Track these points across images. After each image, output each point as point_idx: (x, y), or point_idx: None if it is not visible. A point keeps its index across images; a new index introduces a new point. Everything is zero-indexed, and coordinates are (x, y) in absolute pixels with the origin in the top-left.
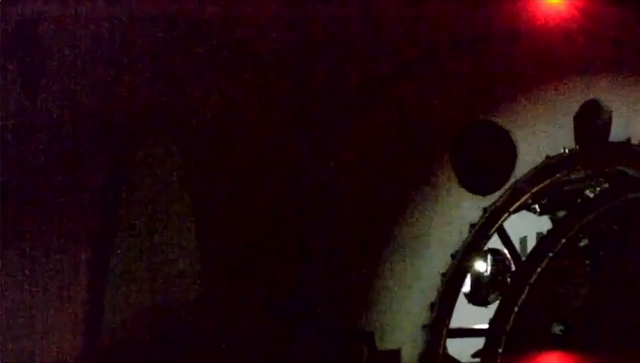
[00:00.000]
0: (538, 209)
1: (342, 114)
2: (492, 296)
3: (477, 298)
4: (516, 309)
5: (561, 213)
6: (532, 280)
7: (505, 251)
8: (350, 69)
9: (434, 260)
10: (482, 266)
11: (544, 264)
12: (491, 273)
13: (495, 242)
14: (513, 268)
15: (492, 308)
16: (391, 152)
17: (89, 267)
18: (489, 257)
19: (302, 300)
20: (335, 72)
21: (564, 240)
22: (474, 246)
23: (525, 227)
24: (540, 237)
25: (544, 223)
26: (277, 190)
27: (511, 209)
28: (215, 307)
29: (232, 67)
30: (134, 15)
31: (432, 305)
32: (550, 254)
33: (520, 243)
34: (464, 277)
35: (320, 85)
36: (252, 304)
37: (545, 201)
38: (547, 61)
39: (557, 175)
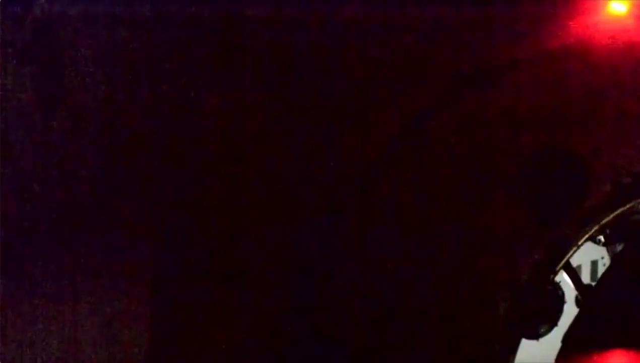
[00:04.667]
0: (602, 240)
1: (406, 137)
2: (544, 329)
3: (528, 331)
4: None
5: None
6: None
7: (559, 281)
8: (416, 90)
9: (497, 297)
10: None
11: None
12: (543, 305)
13: None
14: (566, 299)
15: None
16: (455, 183)
17: None
18: None
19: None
20: (401, 96)
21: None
22: (540, 282)
23: (580, 255)
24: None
25: (599, 252)
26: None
27: (579, 243)
28: None
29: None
30: None
31: (491, 344)
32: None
33: None
34: (531, 316)
35: (383, 110)
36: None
37: (609, 231)
38: (619, 81)
39: (628, 204)
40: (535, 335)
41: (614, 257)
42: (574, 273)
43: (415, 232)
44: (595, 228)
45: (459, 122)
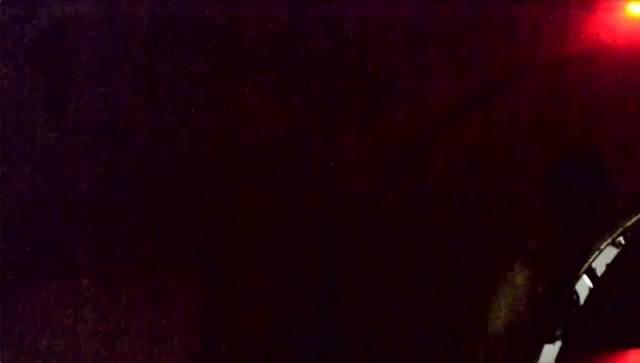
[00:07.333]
0: (623, 242)
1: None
2: (559, 332)
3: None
4: None
5: None
6: None
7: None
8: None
9: (522, 302)
10: None
11: None
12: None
13: None
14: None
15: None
16: (479, 187)
17: None
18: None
19: None
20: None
21: None
22: (563, 287)
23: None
24: None
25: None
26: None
27: (602, 247)
28: None
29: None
30: None
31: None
32: None
33: None
34: (554, 324)
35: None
36: None
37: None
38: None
39: None
40: (551, 339)
41: (614, 258)
42: (595, 278)
43: (436, 236)
44: (619, 232)
45: (483, 128)
